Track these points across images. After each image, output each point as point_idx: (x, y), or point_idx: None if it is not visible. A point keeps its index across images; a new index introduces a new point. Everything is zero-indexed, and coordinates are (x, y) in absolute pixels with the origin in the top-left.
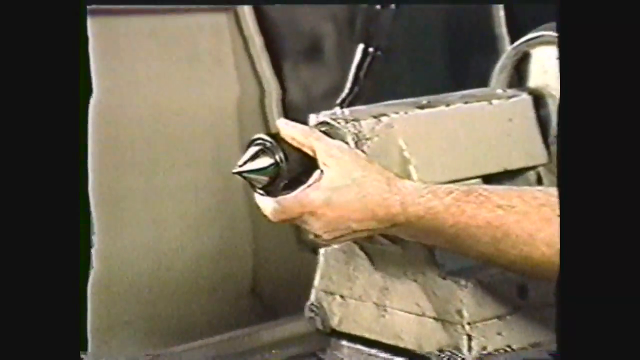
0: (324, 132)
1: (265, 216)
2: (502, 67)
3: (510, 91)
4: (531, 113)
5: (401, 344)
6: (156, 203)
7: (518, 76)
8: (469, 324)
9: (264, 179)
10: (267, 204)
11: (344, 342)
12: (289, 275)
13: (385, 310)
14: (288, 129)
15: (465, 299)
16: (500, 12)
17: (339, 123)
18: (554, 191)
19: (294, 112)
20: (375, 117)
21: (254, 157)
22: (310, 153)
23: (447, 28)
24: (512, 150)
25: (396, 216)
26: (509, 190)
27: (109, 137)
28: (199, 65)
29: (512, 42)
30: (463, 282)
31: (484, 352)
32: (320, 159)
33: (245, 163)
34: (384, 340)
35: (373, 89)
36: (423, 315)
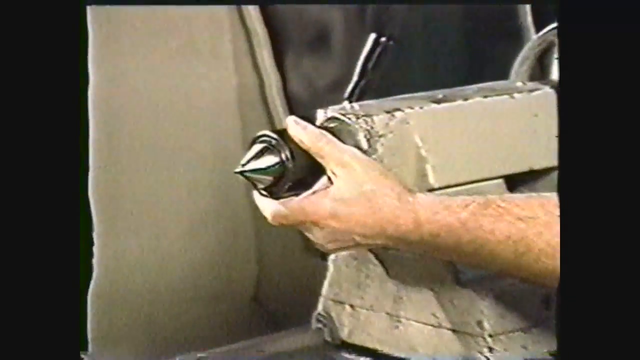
0: (333, 129)
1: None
2: (524, 57)
3: (531, 84)
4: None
5: (416, 358)
6: (151, 205)
7: (540, 68)
8: (490, 336)
9: (268, 179)
10: (267, 206)
11: (354, 356)
12: (295, 282)
13: (399, 321)
14: (297, 131)
15: (487, 310)
16: None
17: (349, 119)
18: None
19: (298, 106)
20: (388, 112)
21: (257, 156)
22: (319, 159)
23: (466, 15)
24: (537, 149)
25: (407, 234)
26: (530, 199)
27: (101, 134)
28: (195, 56)
29: (537, 31)
30: (484, 291)
31: None
32: (330, 166)
33: (248, 162)
34: (397, 354)
35: (383, 81)
36: (440, 326)
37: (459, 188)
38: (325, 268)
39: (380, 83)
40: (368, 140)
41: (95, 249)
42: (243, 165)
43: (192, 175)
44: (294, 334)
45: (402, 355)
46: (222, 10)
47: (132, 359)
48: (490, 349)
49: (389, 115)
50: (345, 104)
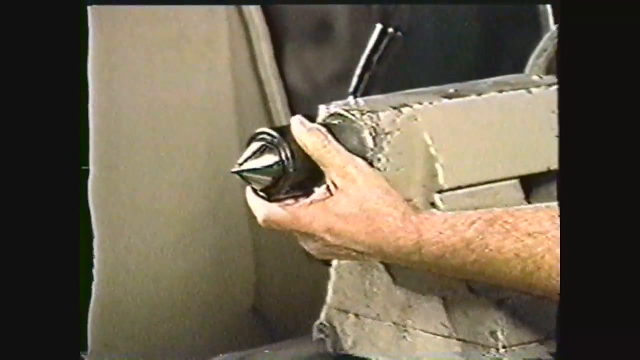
0: (336, 126)
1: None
2: (542, 49)
3: (547, 78)
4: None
5: None
6: (144, 207)
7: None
8: (504, 347)
9: (267, 179)
10: (260, 208)
11: None
12: (296, 290)
13: (406, 331)
14: (301, 133)
15: (501, 320)
16: None
17: (353, 115)
18: None
19: (299, 101)
20: (395, 108)
21: (256, 154)
22: (320, 166)
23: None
24: (555, 147)
25: (408, 255)
26: (539, 212)
27: (100, 135)
28: (189, 47)
29: (556, 20)
30: (499, 300)
31: None
32: (331, 176)
33: (245, 161)
34: None
35: (390, 75)
36: (450, 337)
37: (470, 189)
38: (328, 275)
39: (386, 77)
40: (373, 138)
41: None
42: (240, 164)
43: (186, 175)
44: (294, 344)
45: None
46: None
47: None
48: None
49: (396, 111)
50: (350, 99)
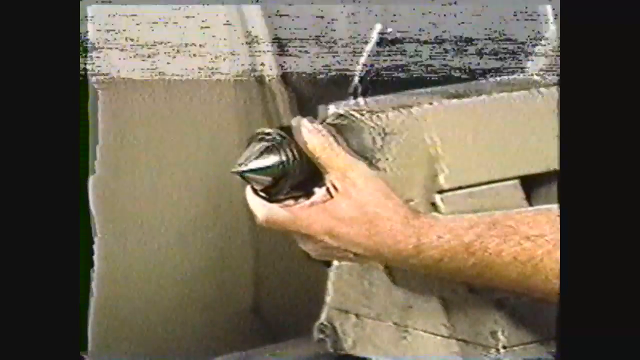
0: (337, 126)
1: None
2: (543, 49)
3: (549, 78)
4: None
5: None
6: (145, 207)
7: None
8: (504, 347)
9: (267, 179)
10: (259, 208)
11: None
12: (296, 290)
13: (407, 331)
14: (303, 134)
15: (501, 320)
16: None
17: (353, 115)
18: None
19: (299, 101)
20: (397, 108)
21: (257, 155)
22: (321, 169)
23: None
24: (556, 148)
25: (408, 258)
26: (539, 215)
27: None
28: (189, 47)
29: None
30: (499, 300)
31: None
32: (331, 178)
33: (246, 161)
34: None
35: (390, 75)
36: (450, 337)
37: (471, 189)
38: (328, 275)
39: (386, 77)
40: (374, 138)
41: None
42: (240, 164)
43: (186, 175)
44: (294, 345)
45: None
46: None
47: None
48: None
49: (397, 111)
50: (350, 99)
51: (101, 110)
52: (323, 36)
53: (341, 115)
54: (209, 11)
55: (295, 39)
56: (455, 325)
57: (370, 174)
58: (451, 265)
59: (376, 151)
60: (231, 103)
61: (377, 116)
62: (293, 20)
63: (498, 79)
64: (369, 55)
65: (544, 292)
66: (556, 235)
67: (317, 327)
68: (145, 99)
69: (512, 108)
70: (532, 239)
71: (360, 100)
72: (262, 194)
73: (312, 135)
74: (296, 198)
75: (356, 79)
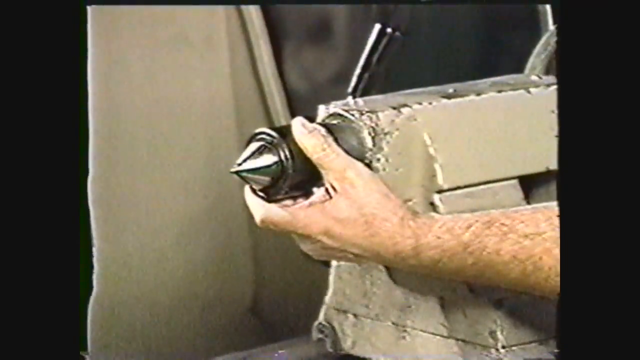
0: (335, 126)
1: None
2: (542, 49)
3: (546, 78)
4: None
5: None
6: (144, 207)
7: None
8: (503, 347)
9: (265, 179)
10: (257, 208)
11: None
12: (295, 290)
13: (406, 331)
14: (301, 135)
15: (500, 320)
16: None
17: (352, 115)
18: None
19: (298, 101)
20: (394, 108)
21: (255, 155)
22: (319, 169)
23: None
24: (554, 147)
25: (406, 260)
26: (536, 213)
27: (100, 136)
28: (188, 47)
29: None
30: (498, 300)
31: None
32: (329, 179)
33: (245, 161)
34: None
35: (389, 75)
36: (449, 337)
37: (470, 189)
38: (327, 275)
39: (386, 77)
40: (373, 138)
41: (95, 252)
42: (239, 164)
43: (185, 175)
44: (293, 345)
45: None
46: None
47: None
48: None
49: (395, 111)
50: (349, 99)
51: (99, 110)
52: (322, 36)
53: (338, 114)
54: (208, 9)
55: (295, 38)
56: (455, 325)
57: (369, 174)
58: (450, 265)
59: (372, 150)
60: (229, 103)
61: (375, 115)
62: (292, 19)
63: (494, 78)
64: (368, 55)
65: (545, 289)
66: (554, 233)
67: (316, 327)
68: (144, 98)
69: (509, 108)
70: (530, 237)
71: (357, 99)
72: (260, 193)
73: (311, 135)
74: (295, 198)
75: (355, 79)
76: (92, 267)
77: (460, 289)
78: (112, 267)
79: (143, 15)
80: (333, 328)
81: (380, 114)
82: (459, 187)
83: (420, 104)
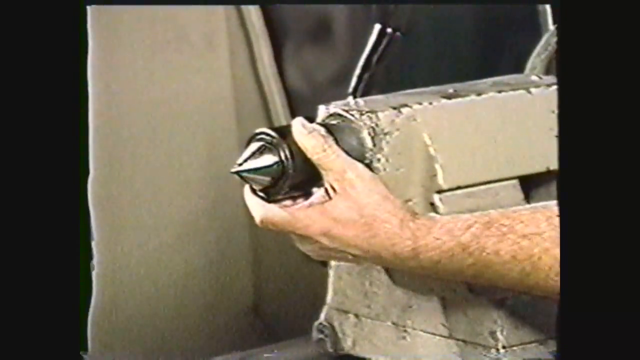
0: (335, 126)
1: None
2: (542, 49)
3: (547, 78)
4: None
5: None
6: (144, 207)
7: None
8: (504, 347)
9: (266, 179)
10: (257, 208)
11: None
12: (295, 290)
13: (406, 331)
14: (301, 136)
15: (501, 320)
16: None
17: (352, 115)
18: None
19: (298, 101)
20: (394, 108)
21: (255, 155)
22: (319, 169)
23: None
24: (554, 148)
25: (405, 261)
26: (535, 213)
27: (100, 136)
28: (188, 47)
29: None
30: (498, 300)
31: None
32: (329, 179)
33: (245, 161)
34: None
35: (389, 75)
36: (450, 337)
37: (470, 189)
38: (327, 275)
39: (386, 77)
40: (372, 138)
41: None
42: (239, 164)
43: (185, 175)
44: (294, 345)
45: None
46: None
47: None
48: None
49: (395, 111)
50: (349, 99)
51: (99, 110)
52: (322, 36)
53: (338, 114)
54: (208, 9)
55: (295, 38)
56: (455, 325)
57: (369, 175)
58: (449, 266)
59: (372, 150)
60: (229, 103)
61: (375, 116)
62: (292, 19)
63: (494, 79)
64: (368, 55)
65: (545, 289)
66: (554, 233)
67: (317, 327)
68: (144, 98)
69: (509, 108)
70: (529, 237)
71: (357, 100)
72: (260, 194)
73: (311, 136)
74: (295, 198)
75: (355, 79)
76: (92, 267)
77: (460, 289)
78: (112, 268)
79: (143, 15)
80: (333, 328)
81: (380, 114)
82: (459, 187)
83: (420, 104)
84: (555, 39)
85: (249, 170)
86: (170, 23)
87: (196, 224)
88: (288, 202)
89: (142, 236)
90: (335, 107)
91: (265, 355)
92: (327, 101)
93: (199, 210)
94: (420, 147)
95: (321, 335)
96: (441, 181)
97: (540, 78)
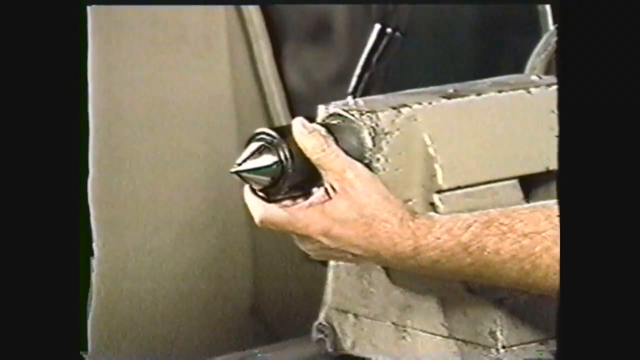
0: (335, 126)
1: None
2: (541, 49)
3: (546, 78)
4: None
5: None
6: (144, 207)
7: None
8: (503, 347)
9: (265, 179)
10: (257, 208)
11: None
12: (295, 290)
13: (406, 331)
14: (301, 136)
15: (500, 320)
16: None
17: (352, 115)
18: None
19: (298, 101)
20: (394, 108)
21: (255, 155)
22: (319, 169)
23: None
24: (554, 148)
25: (405, 260)
26: (535, 212)
27: (100, 136)
28: (188, 47)
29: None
30: (498, 300)
31: None
32: (329, 179)
33: (245, 161)
34: None
35: (389, 75)
36: (450, 337)
37: (470, 189)
38: (326, 275)
39: (386, 77)
40: (373, 138)
41: (95, 252)
42: (239, 164)
43: (185, 175)
44: (293, 344)
45: None
46: None
47: None
48: None
49: (395, 111)
50: (349, 99)
51: (99, 110)
52: (322, 36)
53: (338, 114)
54: (207, 9)
55: (295, 38)
56: (455, 325)
57: (369, 175)
58: (449, 266)
59: (372, 150)
60: (229, 103)
61: (374, 115)
62: (292, 19)
63: (494, 79)
64: (368, 55)
65: (544, 288)
66: (553, 231)
67: (316, 327)
68: (144, 98)
69: (509, 108)
70: (529, 236)
71: (357, 99)
72: (260, 194)
73: (311, 136)
74: (295, 198)
75: (355, 79)
76: (92, 267)
77: (459, 289)
78: (112, 268)
79: (143, 15)
80: (333, 328)
81: (380, 114)
82: (459, 187)
83: (420, 104)
84: (555, 39)
85: (248, 170)
86: (170, 23)
87: (196, 224)
88: (288, 202)
89: (142, 236)
90: (335, 107)
91: (265, 355)
92: (327, 101)
93: (199, 210)
94: (420, 147)
95: (321, 335)
96: (441, 181)
97: (540, 78)
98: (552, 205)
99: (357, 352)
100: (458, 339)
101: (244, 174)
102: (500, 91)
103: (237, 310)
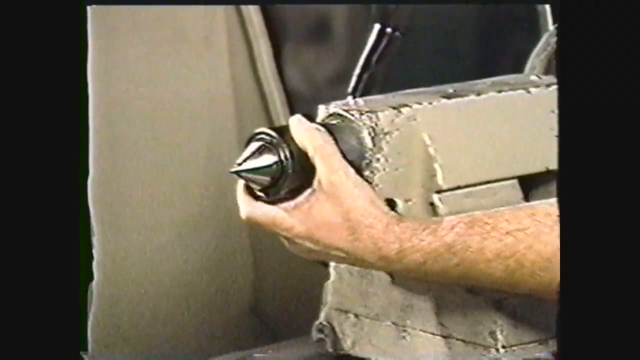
0: (335, 126)
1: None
2: (541, 49)
3: (546, 78)
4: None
5: None
6: (144, 207)
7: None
8: (503, 347)
9: (265, 179)
10: (243, 205)
11: None
12: (295, 290)
13: (406, 331)
14: (298, 133)
15: (500, 320)
16: None
17: (352, 115)
18: None
19: (298, 101)
20: (394, 108)
21: (254, 155)
22: (316, 166)
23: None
24: (553, 147)
25: (390, 264)
26: (519, 211)
27: (101, 136)
28: (187, 47)
29: (556, 19)
30: (498, 299)
31: None
32: (320, 176)
33: (244, 161)
34: None
35: (389, 75)
36: (449, 337)
37: (469, 189)
38: (327, 275)
39: (385, 77)
40: (372, 138)
41: (95, 252)
42: (239, 164)
43: (185, 175)
44: (294, 344)
45: None
46: None
47: None
48: None
49: (395, 111)
50: (349, 99)
51: (99, 110)
52: (322, 36)
53: (338, 114)
54: (207, 9)
55: (295, 38)
56: (454, 325)
57: (359, 180)
58: (435, 267)
59: (371, 150)
60: (229, 103)
61: (374, 115)
62: (292, 19)
63: (494, 78)
64: (368, 55)
65: (531, 286)
66: (535, 229)
67: (316, 327)
68: (144, 98)
69: (509, 108)
70: (512, 234)
71: (357, 99)
72: (260, 194)
73: (308, 132)
74: (295, 198)
75: (354, 79)
76: (92, 267)
77: (459, 289)
78: (112, 268)
79: (143, 15)
80: (333, 328)
81: (380, 114)
82: (458, 187)
83: (420, 104)
84: (554, 39)
85: (248, 170)
86: (169, 23)
87: (196, 224)
88: (291, 203)
89: (142, 236)
90: (335, 107)
91: (265, 355)
92: (327, 101)
93: (199, 210)
94: (420, 147)
95: (321, 335)
96: (441, 181)
97: (540, 78)
98: (537, 204)
99: (357, 352)
100: (458, 339)
101: (244, 174)
102: (500, 91)
103: (237, 310)
